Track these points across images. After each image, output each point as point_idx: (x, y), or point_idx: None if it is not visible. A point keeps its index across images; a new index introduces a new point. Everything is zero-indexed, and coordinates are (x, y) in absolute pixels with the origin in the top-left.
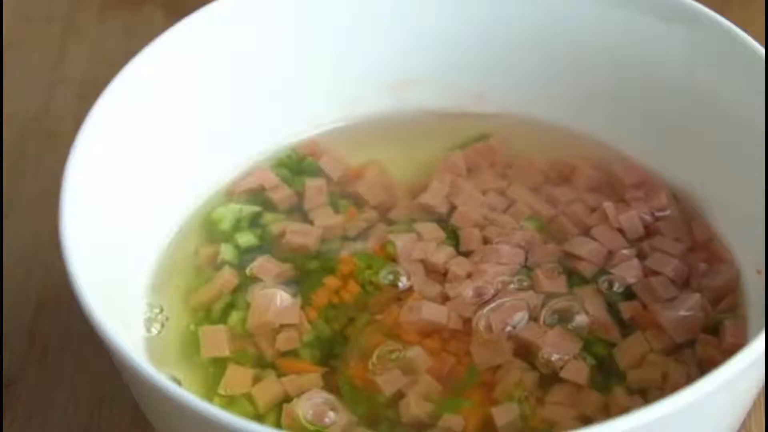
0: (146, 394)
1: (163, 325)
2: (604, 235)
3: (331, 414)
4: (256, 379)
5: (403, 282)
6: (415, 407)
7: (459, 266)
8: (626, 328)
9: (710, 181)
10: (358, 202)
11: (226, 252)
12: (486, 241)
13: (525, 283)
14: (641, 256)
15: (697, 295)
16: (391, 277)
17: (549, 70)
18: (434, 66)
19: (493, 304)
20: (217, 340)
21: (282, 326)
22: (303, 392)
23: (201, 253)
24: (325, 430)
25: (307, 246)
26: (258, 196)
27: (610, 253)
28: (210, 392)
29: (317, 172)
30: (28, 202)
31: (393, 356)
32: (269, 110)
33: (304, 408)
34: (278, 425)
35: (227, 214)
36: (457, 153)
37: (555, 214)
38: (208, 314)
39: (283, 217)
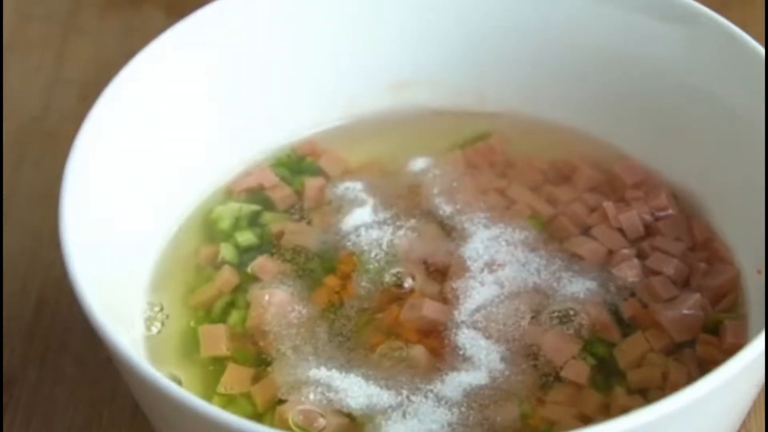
0: (146, 393)
1: (163, 324)
2: (604, 235)
3: (321, 419)
4: (256, 378)
5: (409, 282)
6: None
7: (459, 266)
8: (626, 327)
9: (710, 181)
10: (358, 202)
11: (226, 251)
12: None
13: (525, 283)
14: (641, 255)
15: (697, 295)
16: (396, 277)
17: (549, 70)
18: (434, 65)
19: (493, 304)
20: (216, 339)
21: (281, 325)
22: None
23: (201, 252)
24: None
25: (307, 245)
26: (257, 195)
27: (611, 253)
28: (209, 391)
29: (317, 172)
30: (28, 202)
31: (396, 354)
32: (269, 109)
33: (293, 412)
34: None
35: (227, 213)
36: (457, 152)
37: (555, 214)
38: (208, 313)
39: (282, 216)
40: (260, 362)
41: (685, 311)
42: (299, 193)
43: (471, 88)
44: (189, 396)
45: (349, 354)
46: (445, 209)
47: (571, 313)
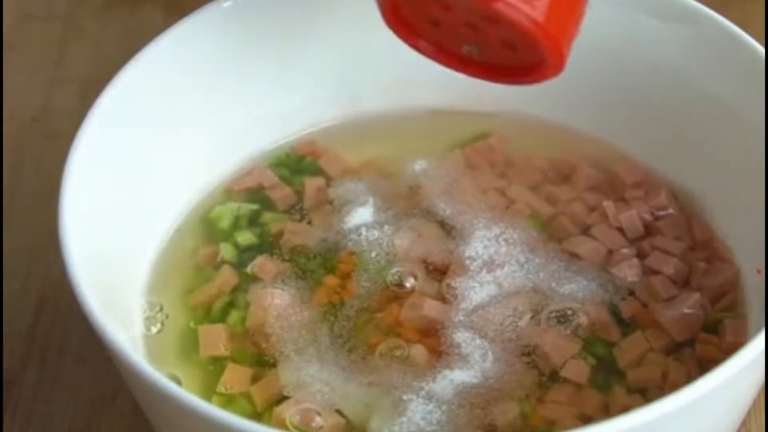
0: (146, 393)
1: (162, 324)
2: (604, 234)
3: (318, 419)
4: (255, 378)
5: (411, 282)
6: None
7: (459, 265)
8: (626, 327)
9: (710, 180)
10: (358, 202)
11: (226, 251)
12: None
13: (524, 283)
14: (641, 255)
15: (697, 294)
16: (396, 277)
17: None
18: (433, 65)
19: (493, 303)
20: (216, 339)
21: (281, 325)
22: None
23: (200, 252)
24: None
25: (307, 245)
26: (257, 194)
27: (610, 252)
28: (209, 391)
29: (317, 171)
30: (28, 202)
31: (396, 354)
32: (269, 109)
33: (290, 413)
34: None
35: (226, 212)
36: (457, 152)
37: (555, 213)
38: (208, 313)
39: (282, 216)
40: (262, 364)
41: (685, 310)
42: (299, 193)
43: (471, 87)
44: (189, 396)
45: (349, 355)
46: (445, 209)
47: (570, 312)
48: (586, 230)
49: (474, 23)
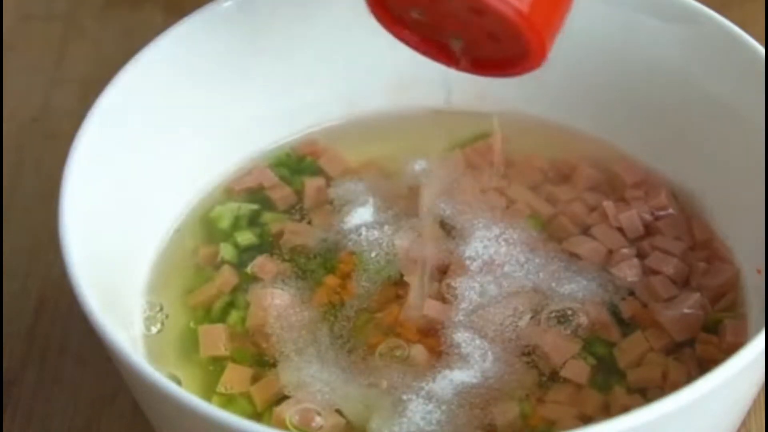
0: (146, 393)
1: (162, 324)
2: (603, 234)
3: (318, 419)
4: (255, 378)
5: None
6: None
7: (459, 265)
8: (626, 327)
9: (710, 180)
10: (358, 202)
11: (226, 251)
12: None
13: (524, 283)
14: (641, 255)
15: (697, 294)
16: (394, 276)
17: (549, 69)
18: (434, 64)
19: (493, 303)
20: (216, 339)
21: (281, 325)
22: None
23: (200, 252)
24: None
25: (307, 245)
26: (257, 194)
27: (610, 252)
28: (209, 391)
29: (317, 171)
30: (28, 202)
31: (396, 354)
32: (269, 109)
33: (290, 413)
34: None
35: (226, 212)
36: (457, 152)
37: (555, 213)
38: (208, 313)
39: (282, 216)
40: (262, 364)
41: (685, 310)
42: (299, 193)
43: (471, 87)
44: (189, 396)
45: (349, 355)
46: (445, 209)
47: (570, 312)
48: (586, 230)
49: (459, 15)
